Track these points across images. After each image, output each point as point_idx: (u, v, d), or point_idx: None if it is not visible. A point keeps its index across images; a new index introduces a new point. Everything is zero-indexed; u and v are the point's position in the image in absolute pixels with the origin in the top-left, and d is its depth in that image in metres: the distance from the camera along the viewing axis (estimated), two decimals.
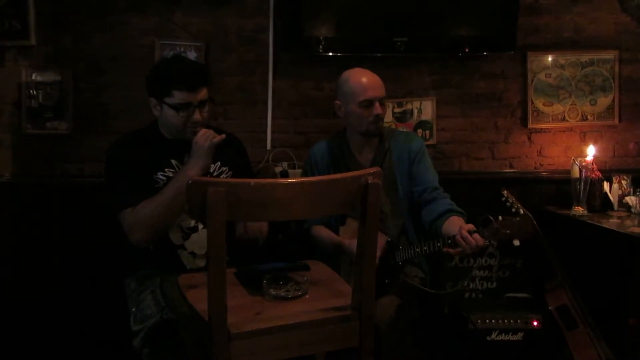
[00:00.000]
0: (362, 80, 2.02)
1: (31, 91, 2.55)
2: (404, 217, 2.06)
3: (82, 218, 2.55)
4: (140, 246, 1.77)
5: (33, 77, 2.56)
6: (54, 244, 2.55)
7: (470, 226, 1.76)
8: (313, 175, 2.06)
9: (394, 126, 2.66)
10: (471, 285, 2.52)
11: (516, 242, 1.75)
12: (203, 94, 1.80)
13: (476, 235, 1.72)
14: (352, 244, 1.83)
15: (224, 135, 1.79)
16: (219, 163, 1.91)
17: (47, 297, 2.55)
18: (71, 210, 2.56)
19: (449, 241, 1.77)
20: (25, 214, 2.56)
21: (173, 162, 1.86)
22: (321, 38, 2.52)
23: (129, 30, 2.57)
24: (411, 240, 2.05)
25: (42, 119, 2.57)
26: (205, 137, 1.76)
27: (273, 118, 2.64)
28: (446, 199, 1.97)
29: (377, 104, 2.00)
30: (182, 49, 2.56)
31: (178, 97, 1.76)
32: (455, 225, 1.81)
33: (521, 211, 1.86)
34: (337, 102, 2.09)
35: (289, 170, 2.55)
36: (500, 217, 1.73)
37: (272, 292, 1.43)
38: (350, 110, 2.04)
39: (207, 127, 1.84)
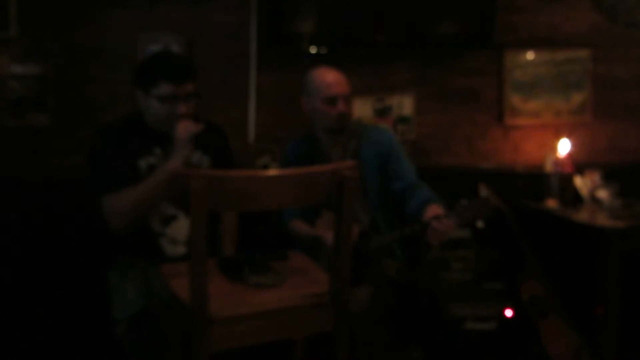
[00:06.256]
0: (326, 77, 2.06)
1: (10, 83, 2.54)
2: (374, 211, 2.10)
3: (62, 212, 2.55)
4: (119, 233, 1.80)
5: (13, 70, 2.55)
6: (33, 238, 2.55)
7: (439, 211, 1.83)
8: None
9: (373, 121, 2.70)
10: (448, 277, 2.59)
11: (480, 224, 1.83)
12: (189, 87, 1.83)
13: (445, 220, 1.79)
14: (328, 236, 1.88)
15: (202, 125, 1.81)
16: (200, 152, 1.94)
17: (28, 291, 2.55)
18: (52, 204, 2.55)
19: (417, 225, 1.85)
20: (3, 208, 2.55)
21: (156, 150, 1.88)
22: (303, 34, 2.56)
23: (112, 23, 2.57)
24: (382, 232, 2.10)
25: (23, 111, 2.56)
26: (184, 129, 1.78)
27: (256, 113, 2.67)
28: (424, 188, 2.02)
29: (341, 101, 2.03)
30: (164, 44, 2.57)
31: (163, 88, 1.79)
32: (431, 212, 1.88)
33: (483, 194, 1.95)
34: (303, 98, 2.12)
35: (271, 164, 2.59)
36: (464, 202, 1.82)
37: (252, 279, 1.48)
38: (315, 107, 2.07)
39: (194, 118, 1.85)
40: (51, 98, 2.57)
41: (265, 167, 2.56)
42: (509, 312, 2.37)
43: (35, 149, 2.59)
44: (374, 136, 2.14)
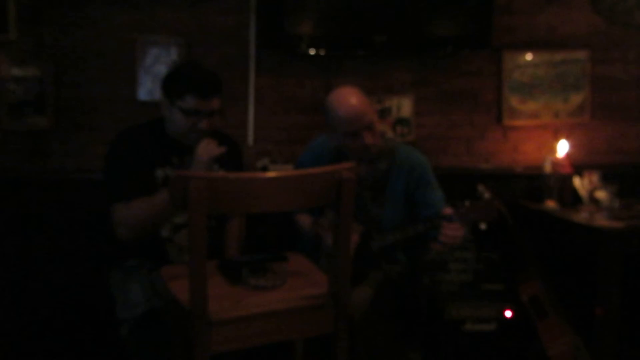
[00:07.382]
0: (345, 110, 1.89)
1: (9, 86, 2.54)
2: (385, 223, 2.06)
3: (62, 213, 2.55)
4: (126, 241, 1.79)
5: (12, 72, 2.55)
6: (34, 240, 2.55)
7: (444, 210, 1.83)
8: (318, 164, 1.98)
9: None
10: (448, 278, 2.59)
11: (482, 226, 1.83)
12: (215, 103, 1.83)
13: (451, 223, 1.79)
14: (328, 237, 1.87)
15: (224, 149, 1.80)
16: (217, 166, 1.94)
17: (30, 292, 2.55)
18: (52, 206, 2.55)
19: (420, 226, 1.85)
20: (3, 210, 2.55)
21: (174, 159, 1.87)
22: (302, 35, 2.56)
23: (111, 25, 2.58)
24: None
25: (22, 114, 2.56)
26: (206, 150, 1.77)
27: (255, 114, 2.68)
28: None
29: (365, 134, 1.89)
30: (163, 45, 2.57)
31: (190, 102, 1.78)
32: None
33: (486, 196, 1.95)
34: (326, 130, 2.00)
35: (271, 166, 2.60)
36: (466, 202, 1.82)
37: (252, 281, 1.48)
38: (339, 140, 1.97)
39: (212, 133, 1.84)
40: (50, 100, 2.57)
41: (265, 168, 2.57)
42: (508, 313, 2.37)
43: (34, 151, 2.60)
44: (407, 160, 2.04)
